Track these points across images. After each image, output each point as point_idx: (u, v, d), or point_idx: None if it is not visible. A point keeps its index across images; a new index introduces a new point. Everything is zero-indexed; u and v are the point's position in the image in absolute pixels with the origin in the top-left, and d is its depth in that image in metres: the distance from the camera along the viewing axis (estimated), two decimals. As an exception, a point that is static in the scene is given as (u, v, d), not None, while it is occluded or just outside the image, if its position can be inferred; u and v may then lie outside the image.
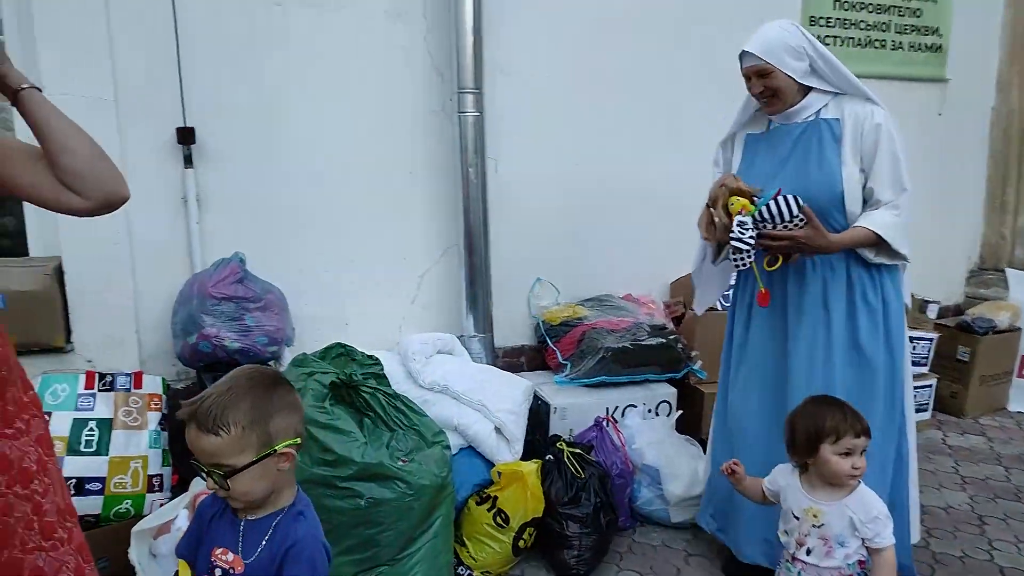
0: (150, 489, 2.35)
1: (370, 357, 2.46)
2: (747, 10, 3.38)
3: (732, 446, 2.41)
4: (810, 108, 2.21)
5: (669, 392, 3.13)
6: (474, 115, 2.96)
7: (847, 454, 1.70)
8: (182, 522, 2.00)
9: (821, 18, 3.73)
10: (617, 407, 3.03)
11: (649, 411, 3.08)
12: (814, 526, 1.75)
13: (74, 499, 1.84)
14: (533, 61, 3.18)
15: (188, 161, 2.71)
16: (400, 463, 2.19)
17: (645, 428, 2.90)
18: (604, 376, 3.04)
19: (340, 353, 2.46)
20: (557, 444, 2.64)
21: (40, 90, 1.34)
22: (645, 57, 3.36)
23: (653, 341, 3.12)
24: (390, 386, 2.43)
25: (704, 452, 2.92)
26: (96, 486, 2.26)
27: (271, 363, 2.69)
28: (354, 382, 2.29)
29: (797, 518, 1.78)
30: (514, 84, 3.15)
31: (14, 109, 1.36)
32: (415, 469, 2.18)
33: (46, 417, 1.49)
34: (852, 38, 3.81)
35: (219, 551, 1.31)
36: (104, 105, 2.58)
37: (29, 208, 2.70)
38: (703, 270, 2.55)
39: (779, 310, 2.32)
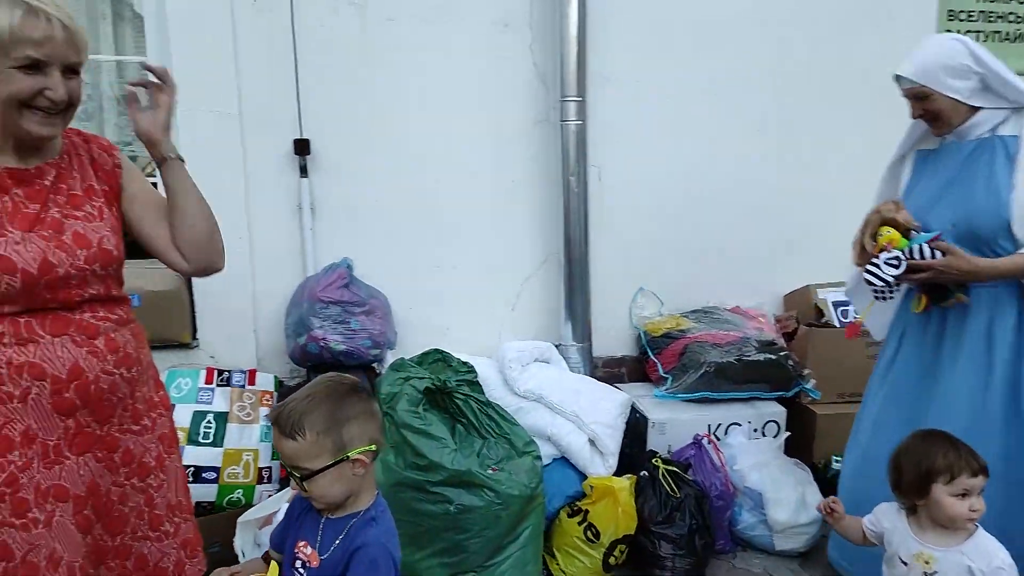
0: (260, 480, 2.50)
1: (465, 364, 2.50)
2: (877, 10, 3.18)
3: (862, 475, 2.23)
4: (985, 124, 1.98)
5: (777, 411, 2.97)
6: (577, 123, 2.94)
7: (963, 495, 1.55)
8: (283, 515, 2.11)
9: (961, 12, 3.42)
10: (720, 424, 2.91)
11: (755, 431, 2.94)
12: (926, 573, 1.60)
13: (192, 486, 2.02)
14: (638, 68, 3.11)
15: (303, 171, 2.86)
16: (490, 471, 2.21)
17: (749, 449, 2.77)
18: (706, 392, 2.94)
19: (437, 359, 2.51)
20: (653, 460, 2.57)
21: (183, 161, 1.51)
22: (754, 64, 3.21)
23: (761, 357, 2.97)
24: (483, 393, 2.45)
25: (814, 477, 2.78)
26: (211, 475, 2.43)
27: (374, 365, 2.79)
28: (448, 388, 2.34)
29: (905, 563, 1.63)
30: (618, 92, 3.10)
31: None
32: (504, 478, 2.19)
33: (172, 417, 1.61)
34: (998, 32, 3.47)
35: (302, 544, 1.38)
36: (230, 119, 2.78)
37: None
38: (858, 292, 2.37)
39: (933, 339, 2.09)
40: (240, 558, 2.05)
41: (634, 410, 2.92)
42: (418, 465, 2.15)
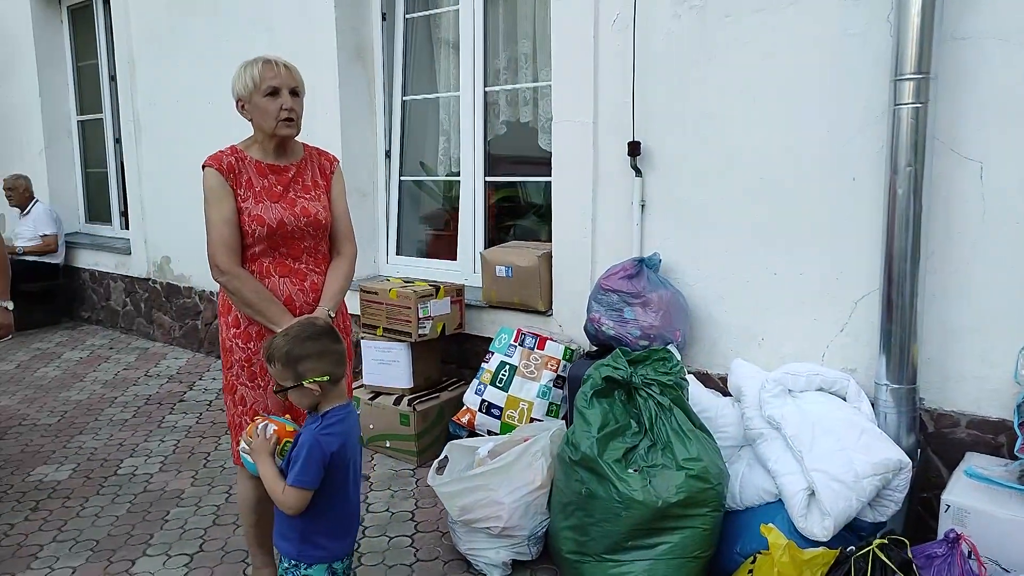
0: (530, 427, 2.99)
1: (677, 368, 2.40)
2: None
3: None
4: None
5: None
6: (913, 107, 2.32)
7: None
8: (483, 452, 2.59)
9: None
10: (1069, 545, 1.93)
11: None
12: None
13: (484, 417, 3.04)
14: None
15: (637, 171, 3.11)
16: (631, 471, 2.18)
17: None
18: (1063, 493, 1.97)
19: (660, 357, 2.49)
20: (879, 538, 1.97)
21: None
22: None
23: None
24: (680, 400, 2.33)
25: None
26: (496, 412, 3.05)
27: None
28: (632, 383, 2.35)
29: None
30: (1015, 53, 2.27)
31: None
32: (635, 481, 2.14)
33: (350, 340, 2.37)
34: None
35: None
36: (586, 127, 3.26)
37: (556, 205, 3.59)
38: None
39: None
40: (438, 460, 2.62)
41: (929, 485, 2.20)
42: (570, 441, 2.31)
